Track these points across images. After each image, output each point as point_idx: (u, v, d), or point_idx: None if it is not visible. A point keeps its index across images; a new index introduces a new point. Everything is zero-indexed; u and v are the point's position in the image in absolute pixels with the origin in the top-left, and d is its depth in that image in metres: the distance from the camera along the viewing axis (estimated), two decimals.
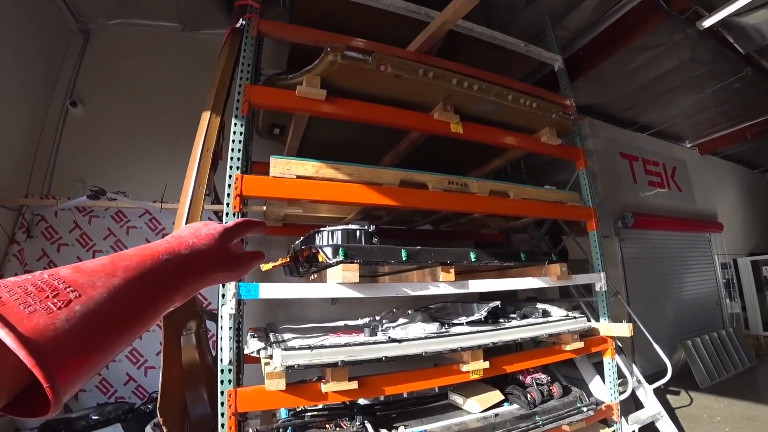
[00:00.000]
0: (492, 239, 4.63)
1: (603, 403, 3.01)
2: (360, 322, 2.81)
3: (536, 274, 2.80)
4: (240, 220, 0.64)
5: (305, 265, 2.32)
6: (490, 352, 2.40)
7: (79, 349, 0.33)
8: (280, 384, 1.85)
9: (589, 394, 3.03)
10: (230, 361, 1.86)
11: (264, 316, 3.26)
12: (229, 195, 2.02)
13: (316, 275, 2.40)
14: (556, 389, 2.75)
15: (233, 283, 1.87)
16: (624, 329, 2.99)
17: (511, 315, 2.68)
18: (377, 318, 2.79)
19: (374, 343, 2.00)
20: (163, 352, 2.18)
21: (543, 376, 2.78)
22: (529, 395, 2.58)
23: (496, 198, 2.76)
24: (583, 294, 3.91)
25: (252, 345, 2.15)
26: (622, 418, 3.20)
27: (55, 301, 0.33)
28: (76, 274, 0.37)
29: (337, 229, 2.16)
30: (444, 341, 2.18)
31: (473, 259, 2.39)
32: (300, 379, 2.33)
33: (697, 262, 6.47)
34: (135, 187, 3.49)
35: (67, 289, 0.35)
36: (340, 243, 2.09)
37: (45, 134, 3.78)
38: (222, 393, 1.85)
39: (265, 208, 2.80)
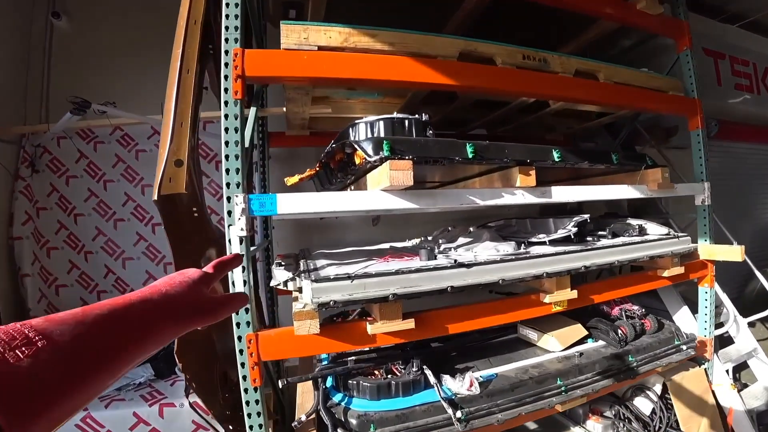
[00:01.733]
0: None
1: (696, 338, 2.44)
2: (409, 244, 2.27)
3: (629, 182, 2.13)
4: (214, 262, 0.64)
5: (339, 174, 1.75)
6: (574, 279, 1.84)
7: (42, 396, 0.33)
8: (313, 326, 1.35)
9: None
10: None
11: (297, 242, 2.78)
12: (227, 78, 1.41)
13: (353, 187, 1.83)
14: (649, 323, 2.19)
15: (241, 196, 1.33)
16: (734, 252, 2.32)
17: (600, 233, 2.06)
18: (429, 239, 2.24)
19: (435, 268, 1.45)
20: None
21: (635, 307, 2.21)
22: (619, 330, 2.03)
23: (583, 81, 2.03)
24: (662, 211, 3.23)
25: (279, 275, 1.65)
26: (715, 355, 2.64)
27: (23, 349, 0.33)
28: (46, 323, 0.37)
29: (379, 119, 1.54)
30: (525, 265, 1.62)
31: (557, 158, 1.75)
32: (339, 313, 1.86)
33: (762, 184, 5.51)
34: (138, 104, 2.94)
35: (36, 337, 0.35)
36: (383, 135, 1.49)
37: (33, 54, 3.23)
38: (239, 338, 1.37)
39: (285, 109, 2.19)
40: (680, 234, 2.23)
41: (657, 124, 3.79)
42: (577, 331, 2.04)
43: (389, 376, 1.60)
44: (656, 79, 2.35)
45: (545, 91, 1.96)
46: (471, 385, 1.59)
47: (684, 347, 2.17)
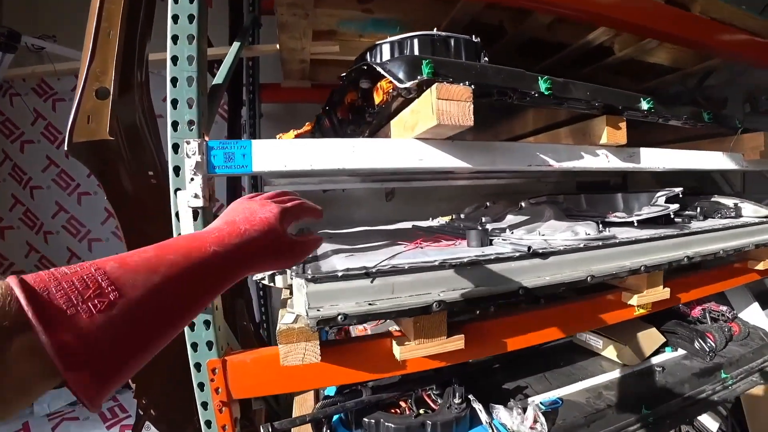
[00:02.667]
0: None
1: None
2: (435, 223, 1.75)
3: (721, 149, 1.62)
4: (297, 200, 0.61)
5: (349, 125, 1.23)
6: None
7: (114, 357, 0.32)
8: (310, 352, 0.85)
9: None
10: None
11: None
12: None
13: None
14: (738, 327, 1.71)
15: (195, 142, 0.80)
16: None
17: (687, 213, 1.56)
18: (462, 217, 1.72)
19: (497, 259, 0.94)
20: None
21: (723, 307, 1.73)
22: (708, 338, 1.55)
23: (675, 10, 1.49)
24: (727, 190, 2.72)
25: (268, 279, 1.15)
26: None
27: (96, 302, 0.32)
28: (120, 271, 0.35)
29: (413, 36, 1.01)
30: (615, 255, 1.11)
31: (647, 108, 1.22)
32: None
33: None
34: None
35: (109, 287, 0.33)
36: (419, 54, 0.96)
37: None
38: (198, 367, 0.87)
39: (278, 45, 1.63)
40: None
41: (708, 95, 3.26)
42: (655, 337, 1.55)
43: (421, 410, 1.11)
44: (755, 20, 1.80)
45: (628, 17, 1.42)
46: (535, 422, 1.11)
47: None
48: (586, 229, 1.14)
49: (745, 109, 3.97)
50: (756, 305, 2.29)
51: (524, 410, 1.14)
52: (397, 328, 1.02)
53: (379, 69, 0.89)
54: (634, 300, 1.24)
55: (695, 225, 1.46)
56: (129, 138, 1.16)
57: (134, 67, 1.03)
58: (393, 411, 1.13)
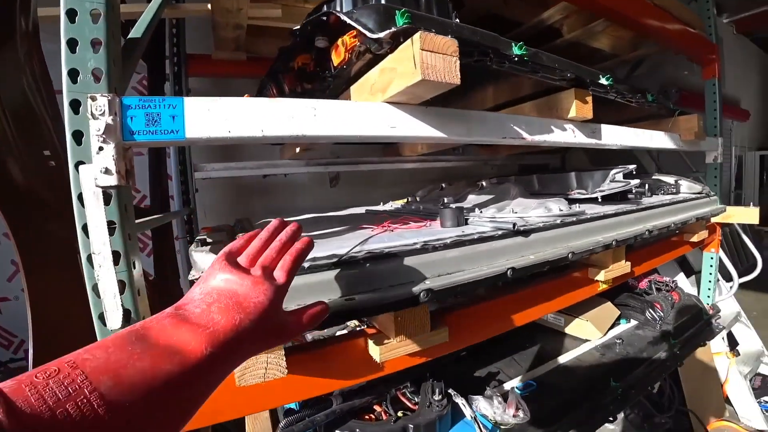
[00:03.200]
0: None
1: (720, 309, 2.15)
2: (389, 207, 1.62)
3: (661, 129, 1.68)
4: (290, 263, 0.53)
5: (300, 92, 1.06)
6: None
7: None
8: (273, 365, 0.69)
9: None
10: (121, 312, 0.65)
11: (231, 211, 2.01)
12: None
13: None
14: (678, 296, 1.81)
15: (104, 98, 0.59)
16: (751, 214, 2.00)
17: (638, 189, 1.59)
18: (417, 199, 1.62)
19: (481, 239, 0.84)
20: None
21: (666, 278, 1.81)
22: (656, 308, 1.61)
23: None
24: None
25: (202, 261, 0.94)
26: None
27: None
28: (116, 391, 0.30)
29: None
30: (589, 230, 1.08)
31: (606, 83, 1.20)
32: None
33: None
34: None
35: (97, 403, 0.29)
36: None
37: None
38: None
39: (209, 5, 1.38)
40: (710, 193, 1.84)
41: (633, 86, 3.50)
42: (611, 311, 1.58)
43: (399, 413, 0.99)
44: (685, 11, 1.89)
45: None
46: (517, 409, 1.04)
47: (713, 321, 1.82)
48: (558, 206, 1.09)
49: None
50: (682, 275, 2.49)
51: (504, 398, 1.07)
52: (373, 328, 0.89)
53: (345, 18, 0.74)
54: (601, 276, 1.22)
55: (646, 201, 1.49)
56: (14, 111, 0.90)
57: (14, 8, 0.77)
58: (367, 417, 1.00)
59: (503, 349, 1.39)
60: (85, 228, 0.65)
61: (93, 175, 0.58)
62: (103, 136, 0.57)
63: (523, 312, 1.05)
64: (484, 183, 1.47)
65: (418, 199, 1.66)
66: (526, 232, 0.91)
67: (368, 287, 0.73)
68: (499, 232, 0.87)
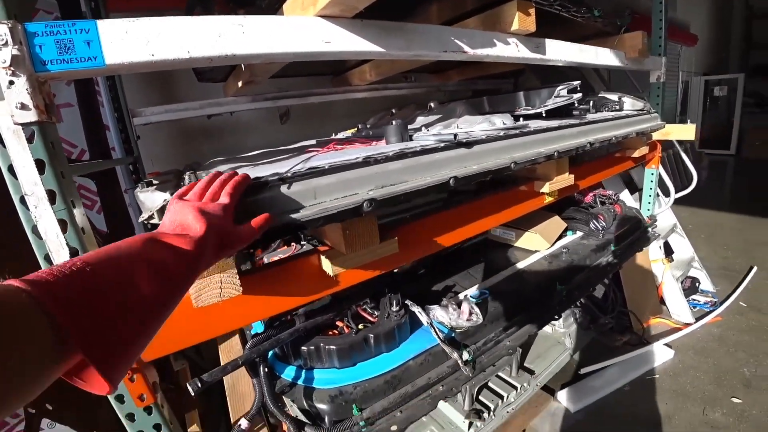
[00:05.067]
0: None
1: (656, 218, 2.33)
2: (340, 136, 1.59)
3: (607, 46, 1.69)
4: (230, 188, 0.63)
5: (234, 11, 0.98)
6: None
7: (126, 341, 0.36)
8: (228, 284, 0.70)
9: None
10: (67, 251, 0.64)
11: (178, 157, 1.90)
12: None
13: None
14: (620, 208, 1.93)
15: (4, 26, 0.53)
16: (689, 130, 2.11)
17: (583, 106, 1.63)
18: (368, 126, 1.61)
19: (424, 151, 0.85)
20: None
21: (610, 192, 1.92)
22: (600, 219, 1.73)
23: None
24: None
25: (149, 200, 0.90)
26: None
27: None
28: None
29: None
30: (533, 142, 1.11)
31: None
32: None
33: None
34: None
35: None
36: None
37: None
38: None
39: None
40: (651, 110, 1.91)
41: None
42: (558, 224, 1.68)
43: (360, 326, 1.05)
44: None
45: None
46: (470, 314, 1.13)
47: (650, 230, 1.98)
48: (502, 119, 1.11)
49: None
50: (627, 191, 2.65)
51: (459, 305, 1.15)
52: (325, 246, 0.91)
53: None
54: (546, 188, 1.28)
55: (590, 117, 1.53)
56: None
57: None
58: (331, 333, 1.06)
59: (459, 265, 1.46)
60: (11, 169, 0.61)
61: (8, 111, 0.53)
62: (11, 68, 0.52)
63: (472, 224, 1.10)
64: (432, 105, 1.47)
65: (368, 126, 1.64)
66: (468, 144, 0.93)
67: (313, 201, 0.74)
68: (442, 145, 0.89)
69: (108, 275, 0.36)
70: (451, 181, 0.85)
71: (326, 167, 0.76)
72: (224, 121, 1.99)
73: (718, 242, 3.82)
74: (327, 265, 0.83)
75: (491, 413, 1.68)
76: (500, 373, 1.84)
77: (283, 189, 0.72)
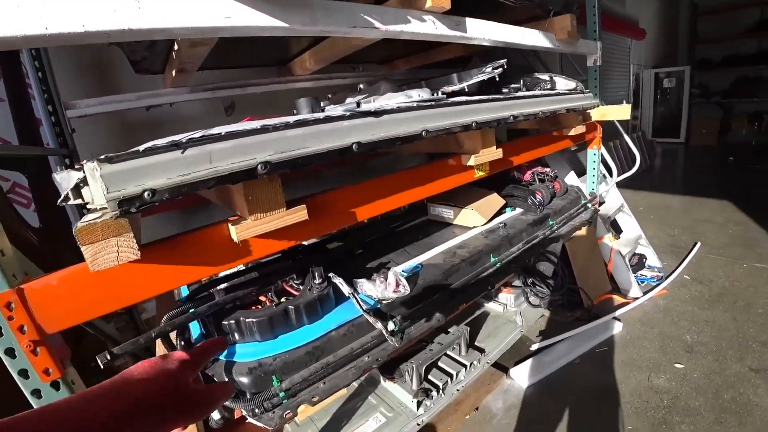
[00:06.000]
0: None
1: (596, 196, 2.42)
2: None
3: (538, 28, 1.75)
4: (201, 344, 0.55)
5: None
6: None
7: None
8: (125, 247, 0.68)
9: None
10: None
11: (119, 150, 1.83)
12: None
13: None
14: (559, 185, 1.99)
15: None
16: (624, 111, 2.20)
17: (513, 85, 1.68)
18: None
19: (327, 119, 0.86)
20: None
21: (547, 169, 1.98)
22: (537, 195, 1.78)
23: None
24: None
25: (64, 180, 0.87)
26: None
27: None
28: None
29: None
30: (448, 113, 1.13)
31: None
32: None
33: (616, 69, 6.08)
34: None
35: None
36: None
37: None
38: None
39: None
40: (585, 89, 1.99)
41: None
42: (496, 201, 1.72)
43: (282, 299, 1.05)
44: None
45: None
46: (397, 285, 1.14)
47: (589, 205, 2.05)
48: (419, 92, 1.13)
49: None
50: (573, 173, 2.73)
51: (386, 278, 1.16)
52: (236, 216, 0.90)
53: None
54: (472, 160, 1.31)
55: (519, 94, 1.58)
56: None
57: None
58: (255, 308, 1.05)
59: (397, 244, 1.48)
60: None
61: None
62: None
63: (394, 195, 1.12)
64: (361, 86, 1.48)
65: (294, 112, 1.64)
66: (377, 113, 0.94)
67: (208, 166, 0.73)
68: (348, 113, 0.90)
69: None
70: (354, 146, 0.86)
71: (222, 133, 0.75)
72: (165, 113, 1.94)
73: (666, 222, 4.00)
74: (233, 231, 0.82)
75: (440, 392, 1.70)
76: (450, 353, 1.86)
77: (176, 153, 0.71)
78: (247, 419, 0.88)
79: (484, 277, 1.37)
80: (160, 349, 1.00)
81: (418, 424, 1.61)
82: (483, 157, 1.33)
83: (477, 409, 1.92)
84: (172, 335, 0.97)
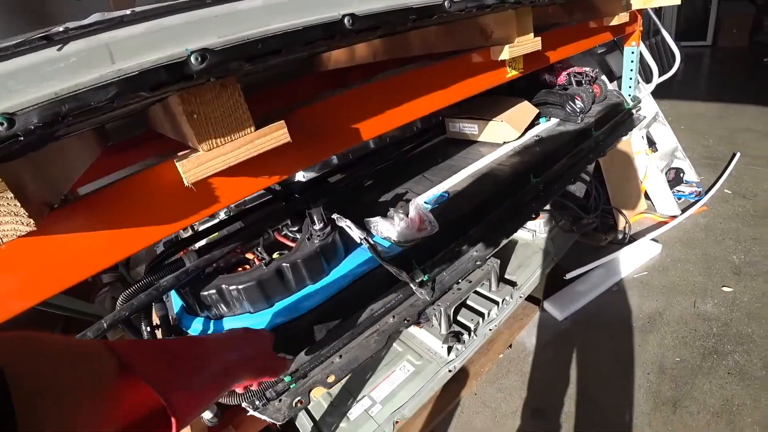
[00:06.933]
0: None
1: (640, 100, 2.05)
2: None
3: None
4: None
5: None
6: None
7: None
8: (9, 220, 0.43)
9: None
10: None
11: None
12: None
13: None
14: (599, 89, 1.64)
15: None
16: None
17: None
18: None
19: None
20: None
21: (586, 68, 1.62)
22: (576, 100, 1.45)
23: None
24: None
25: None
26: None
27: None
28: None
29: None
30: None
31: None
32: None
33: None
34: None
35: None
36: None
37: None
38: None
39: None
40: None
41: None
42: (528, 109, 1.39)
43: (275, 255, 0.80)
44: None
45: None
46: (422, 222, 0.88)
47: (635, 112, 1.71)
48: None
49: None
50: (605, 77, 2.34)
51: (407, 214, 0.90)
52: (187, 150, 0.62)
53: None
54: (506, 53, 0.97)
55: None
56: None
57: None
58: (241, 270, 0.80)
59: (414, 170, 1.20)
60: None
61: None
62: None
63: (408, 103, 0.81)
64: None
65: None
66: None
67: (109, 67, 0.44)
68: None
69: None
70: (345, 20, 0.54)
71: (128, 12, 0.45)
72: None
73: (699, 131, 3.62)
74: (181, 172, 0.55)
75: (472, 333, 1.51)
76: (479, 289, 1.66)
77: (49, 51, 0.42)
78: (248, 413, 0.67)
79: (525, 201, 1.10)
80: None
81: (450, 371, 1.45)
82: (519, 49, 0.99)
83: (510, 346, 1.77)
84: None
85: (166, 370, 0.40)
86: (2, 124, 0.39)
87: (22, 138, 0.39)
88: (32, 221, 0.45)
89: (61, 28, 0.43)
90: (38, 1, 1.56)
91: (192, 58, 0.45)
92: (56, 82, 0.42)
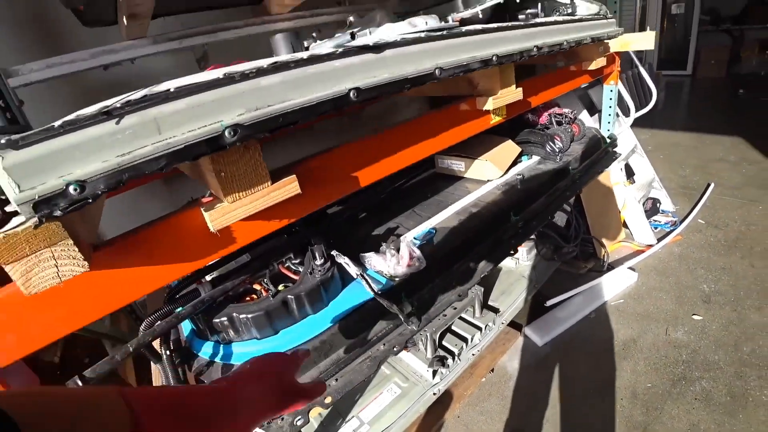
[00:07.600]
0: None
1: (616, 137, 2.21)
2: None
3: None
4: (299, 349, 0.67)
5: None
6: None
7: None
8: (65, 258, 0.50)
9: None
10: None
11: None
12: None
13: None
14: (578, 128, 1.79)
15: None
16: (648, 39, 1.92)
17: (531, 11, 1.42)
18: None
19: (313, 59, 0.65)
20: None
21: (566, 110, 1.76)
22: (556, 140, 1.58)
23: None
24: None
25: None
26: None
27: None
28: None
29: None
30: (466, 45, 0.91)
31: None
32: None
33: None
34: None
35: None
36: None
37: None
38: None
39: None
40: (608, 14, 1.71)
41: None
42: (511, 149, 1.52)
43: (280, 286, 0.89)
44: None
45: None
46: (411, 258, 0.98)
47: (610, 149, 1.85)
48: (426, 20, 0.90)
49: None
50: (585, 112, 2.51)
51: (398, 250, 1.00)
52: (208, 197, 0.71)
53: None
54: (490, 104, 1.10)
55: (538, 20, 1.33)
56: None
57: None
58: (249, 299, 0.89)
59: (404, 205, 1.30)
60: None
61: None
62: None
63: (402, 152, 0.92)
64: (351, 19, 1.23)
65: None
66: (377, 48, 0.72)
67: (157, 137, 0.53)
68: (340, 50, 0.68)
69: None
70: (351, 93, 0.65)
71: (172, 89, 0.55)
72: (127, 71, 1.66)
73: (676, 161, 3.82)
74: (208, 221, 0.64)
75: (456, 358, 1.60)
76: (464, 315, 1.75)
77: (109, 125, 0.51)
78: None
79: (505, 239, 1.21)
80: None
81: (435, 394, 1.53)
82: (502, 99, 1.12)
83: (492, 370, 1.86)
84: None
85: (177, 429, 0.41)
86: (76, 189, 0.48)
87: (90, 201, 0.48)
88: (86, 263, 0.54)
89: (118, 104, 0.53)
90: (46, 32, 1.64)
91: (226, 132, 0.55)
92: (116, 151, 0.51)
